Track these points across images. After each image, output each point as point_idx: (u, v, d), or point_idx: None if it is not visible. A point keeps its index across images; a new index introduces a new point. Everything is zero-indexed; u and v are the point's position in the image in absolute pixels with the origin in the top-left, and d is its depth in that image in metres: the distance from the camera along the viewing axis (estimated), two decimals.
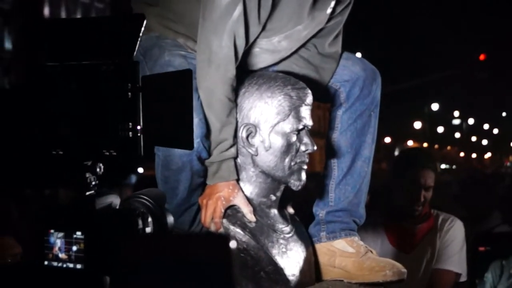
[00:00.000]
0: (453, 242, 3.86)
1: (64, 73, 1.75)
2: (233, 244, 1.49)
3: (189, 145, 1.79)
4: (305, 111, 2.47)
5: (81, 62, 1.75)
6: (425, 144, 50.20)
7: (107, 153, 1.74)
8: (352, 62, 2.74)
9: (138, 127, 1.70)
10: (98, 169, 1.81)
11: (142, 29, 1.73)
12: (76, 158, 1.77)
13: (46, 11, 31.54)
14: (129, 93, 1.70)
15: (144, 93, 1.71)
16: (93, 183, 1.80)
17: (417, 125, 51.68)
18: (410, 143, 49.00)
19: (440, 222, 3.91)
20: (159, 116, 1.73)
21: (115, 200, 1.91)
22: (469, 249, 4.05)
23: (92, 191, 1.79)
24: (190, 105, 1.76)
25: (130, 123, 1.70)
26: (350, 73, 2.71)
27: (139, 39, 1.73)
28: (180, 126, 1.75)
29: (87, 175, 1.79)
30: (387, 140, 46.84)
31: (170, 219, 1.97)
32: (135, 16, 1.78)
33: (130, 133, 1.70)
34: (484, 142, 72.40)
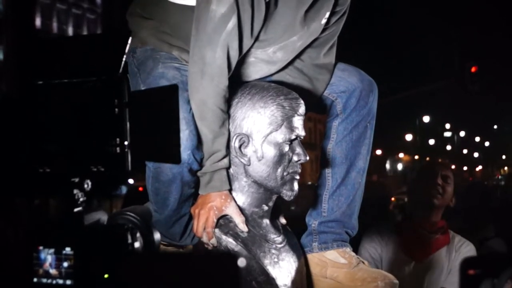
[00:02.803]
0: None
1: (51, 90, 1.75)
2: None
3: (176, 160, 1.79)
4: (298, 121, 2.47)
5: (68, 80, 1.75)
6: (416, 157, 50.33)
7: (95, 169, 1.74)
8: (348, 73, 2.74)
9: (126, 143, 1.70)
10: (86, 186, 1.80)
11: (128, 45, 1.73)
12: (64, 174, 1.77)
13: (38, 22, 31.53)
14: (116, 109, 1.70)
15: (131, 109, 1.71)
16: (81, 199, 1.79)
17: (409, 137, 51.80)
18: (401, 155, 49.13)
19: (456, 243, 3.89)
20: (147, 131, 1.73)
21: (102, 216, 1.91)
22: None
23: (80, 208, 1.79)
24: (176, 120, 1.76)
25: (118, 139, 1.70)
26: (347, 84, 2.71)
27: (125, 55, 1.73)
28: (167, 141, 1.76)
29: (75, 191, 1.78)
30: (378, 152, 46.94)
31: (157, 235, 1.98)
32: (121, 33, 1.78)
33: (118, 148, 1.70)
34: (476, 154, 72.61)
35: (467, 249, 3.89)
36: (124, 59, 1.76)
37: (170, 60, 2.54)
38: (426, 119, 51.64)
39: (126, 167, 1.72)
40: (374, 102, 2.74)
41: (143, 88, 2.50)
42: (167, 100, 1.77)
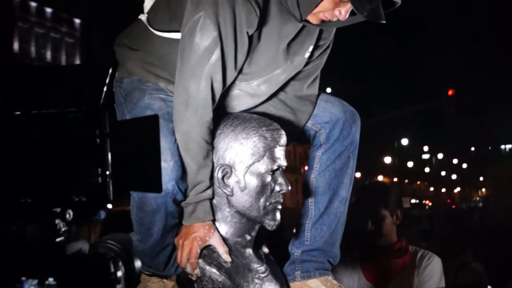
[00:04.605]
0: (431, 279, 3.86)
1: (31, 121, 1.76)
2: None
3: (157, 189, 1.81)
4: (280, 152, 2.49)
5: (48, 111, 1.76)
6: (395, 179, 50.55)
7: (77, 199, 1.74)
8: (332, 104, 2.78)
9: (107, 173, 1.71)
10: (67, 216, 1.80)
11: (109, 76, 1.75)
12: (45, 205, 1.77)
13: (16, 46, 31.43)
14: (97, 140, 1.71)
15: (112, 139, 1.72)
16: (63, 229, 1.80)
17: (387, 160, 52.06)
18: (380, 178, 49.27)
19: (418, 259, 3.91)
20: (128, 161, 1.75)
21: (84, 245, 1.92)
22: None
23: (62, 237, 1.79)
24: (158, 150, 1.78)
25: (99, 169, 1.71)
26: (330, 115, 2.74)
27: (106, 86, 1.75)
28: (149, 171, 1.77)
29: (57, 221, 1.78)
30: (357, 175, 47.05)
31: (138, 263, 1.98)
32: (102, 64, 1.80)
33: (99, 178, 1.71)
34: (454, 176, 73.09)
35: (430, 261, 3.89)
36: (105, 89, 1.77)
37: (156, 91, 2.56)
38: (404, 141, 51.96)
39: (107, 197, 1.73)
40: (357, 133, 2.77)
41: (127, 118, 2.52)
42: (148, 130, 1.79)
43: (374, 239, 3.90)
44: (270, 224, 2.50)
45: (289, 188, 2.51)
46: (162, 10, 2.58)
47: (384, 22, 2.37)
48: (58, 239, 1.77)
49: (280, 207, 2.52)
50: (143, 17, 2.65)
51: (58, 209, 1.78)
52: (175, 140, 2.42)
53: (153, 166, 1.76)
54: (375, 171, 49.68)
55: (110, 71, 1.76)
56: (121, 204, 2.58)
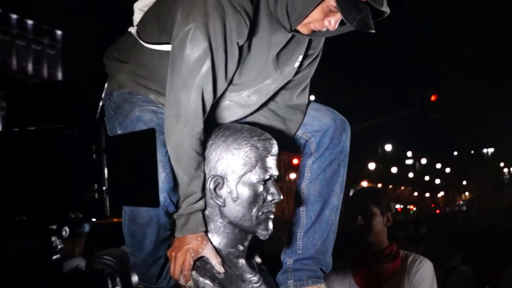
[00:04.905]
0: (422, 284, 3.87)
1: (27, 137, 1.75)
2: None
3: (155, 203, 1.80)
4: (271, 162, 2.50)
5: (44, 127, 1.75)
6: (379, 185, 50.61)
7: (73, 216, 1.74)
8: (322, 113, 2.79)
9: (104, 188, 1.71)
10: (64, 233, 1.80)
11: (104, 91, 1.75)
12: (42, 222, 1.76)
13: None
14: (94, 155, 1.71)
15: (108, 154, 1.72)
16: (59, 246, 1.79)
17: (371, 166, 52.18)
18: (364, 183, 49.35)
19: (409, 263, 3.91)
20: (125, 176, 1.74)
21: (80, 262, 1.92)
22: None
23: (59, 255, 1.78)
24: (154, 164, 1.77)
25: (96, 185, 1.70)
26: (320, 123, 2.76)
27: (101, 100, 1.75)
28: (146, 185, 1.77)
29: (53, 239, 1.77)
30: None
31: (135, 278, 1.98)
32: (97, 79, 1.80)
33: (96, 194, 1.70)
34: (437, 181, 73.38)
35: (421, 266, 3.90)
36: (100, 104, 1.77)
37: (146, 104, 2.56)
38: (388, 147, 52.14)
39: (104, 213, 1.72)
40: (347, 141, 2.78)
41: (119, 132, 2.52)
42: (144, 144, 1.79)
43: (364, 235, 3.91)
44: (262, 234, 2.50)
45: (281, 197, 2.52)
46: (152, 22, 2.59)
47: (374, 31, 2.38)
48: (54, 257, 1.77)
49: (272, 216, 2.52)
50: (132, 29, 2.65)
51: (54, 226, 1.77)
52: (166, 152, 2.42)
53: (150, 180, 1.75)
54: (360, 177, 49.78)
55: (106, 86, 1.77)
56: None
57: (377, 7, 2.35)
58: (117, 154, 1.73)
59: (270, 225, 2.51)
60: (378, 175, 53.41)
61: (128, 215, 2.46)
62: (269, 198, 2.50)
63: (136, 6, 2.70)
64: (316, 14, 2.42)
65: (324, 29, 2.47)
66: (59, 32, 33.14)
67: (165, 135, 2.43)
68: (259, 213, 2.48)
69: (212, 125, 2.56)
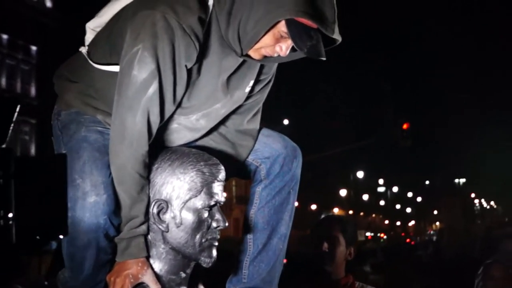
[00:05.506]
0: None
1: None
2: None
3: (63, 232, 1.74)
4: (218, 187, 2.45)
5: None
6: (350, 212, 50.76)
7: None
8: (273, 139, 2.75)
9: (10, 215, 1.64)
10: None
11: (16, 114, 1.69)
12: None
13: None
14: (1, 180, 1.65)
15: (16, 180, 1.66)
16: None
17: (343, 192, 52.28)
18: (336, 210, 49.45)
19: None
20: (33, 202, 1.68)
21: None
22: None
23: None
24: (64, 190, 1.72)
25: (2, 211, 1.64)
26: (271, 150, 2.72)
27: (12, 124, 1.69)
28: (53, 212, 1.71)
29: None
30: (314, 207, 47.17)
31: None
32: (8, 101, 1.74)
33: (2, 221, 1.64)
34: (408, 210, 73.69)
35: None
36: (11, 128, 1.71)
37: (93, 124, 2.52)
38: (360, 174, 52.29)
39: (10, 240, 1.66)
40: (298, 168, 2.75)
41: (64, 152, 2.47)
42: (54, 169, 1.73)
43: (325, 263, 3.87)
44: (206, 262, 2.45)
45: (226, 224, 2.47)
46: (103, 42, 2.56)
47: (324, 59, 2.35)
48: None
49: (216, 243, 2.47)
50: (83, 49, 2.62)
51: None
52: (110, 173, 2.38)
53: (58, 207, 1.69)
54: (331, 204, 49.86)
55: (18, 108, 1.71)
56: None
57: (328, 34, 2.32)
58: (26, 179, 1.67)
59: (214, 252, 2.46)
60: (349, 201, 53.49)
61: (67, 236, 2.39)
62: (214, 224, 2.45)
63: (88, 26, 2.66)
64: (267, 39, 2.38)
65: (276, 55, 2.44)
66: (33, 48, 32.95)
67: (109, 156, 2.39)
68: (203, 240, 2.43)
69: (160, 148, 2.51)
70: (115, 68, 2.45)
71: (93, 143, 2.44)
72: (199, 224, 2.43)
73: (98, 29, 2.63)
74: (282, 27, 2.35)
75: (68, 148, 2.47)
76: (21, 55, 32.96)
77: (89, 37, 2.65)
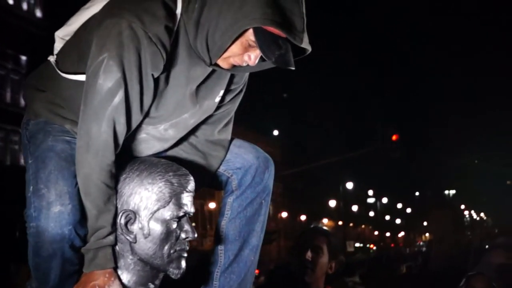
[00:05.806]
0: None
1: None
2: None
3: None
4: (187, 198, 2.43)
5: None
6: (340, 222, 50.70)
7: None
8: (244, 149, 2.73)
9: None
10: None
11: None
12: None
13: None
14: None
15: None
16: None
17: (332, 203, 52.20)
18: (325, 221, 49.42)
19: None
20: None
21: None
22: None
23: None
24: None
25: None
26: (243, 160, 2.70)
27: None
28: None
29: None
30: (303, 217, 47.09)
31: None
32: None
33: None
34: (398, 221, 73.71)
35: None
36: None
37: (61, 133, 2.50)
38: (349, 185, 52.24)
39: None
40: (270, 179, 2.73)
41: (30, 162, 2.45)
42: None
43: (306, 273, 3.85)
44: (174, 273, 2.42)
45: (195, 235, 2.44)
46: (71, 51, 2.54)
47: (293, 68, 2.33)
48: None
49: (185, 255, 2.44)
50: (51, 58, 2.60)
51: None
52: (76, 183, 2.35)
53: None
54: (320, 214, 49.78)
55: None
56: None
57: (297, 43, 2.30)
58: None
59: (183, 263, 2.43)
60: (339, 212, 53.41)
61: (32, 247, 2.38)
62: (183, 235, 2.43)
63: (57, 34, 2.64)
64: (235, 48, 2.36)
65: (245, 64, 2.42)
66: (23, 58, 32.89)
67: (76, 166, 2.36)
68: (171, 251, 2.41)
69: (129, 158, 2.49)
70: (83, 77, 2.43)
71: (59, 153, 2.42)
72: (168, 235, 2.40)
73: (67, 38, 2.61)
74: (250, 36, 2.33)
75: (34, 158, 2.45)
76: (11, 65, 32.89)
77: (58, 45, 2.63)
